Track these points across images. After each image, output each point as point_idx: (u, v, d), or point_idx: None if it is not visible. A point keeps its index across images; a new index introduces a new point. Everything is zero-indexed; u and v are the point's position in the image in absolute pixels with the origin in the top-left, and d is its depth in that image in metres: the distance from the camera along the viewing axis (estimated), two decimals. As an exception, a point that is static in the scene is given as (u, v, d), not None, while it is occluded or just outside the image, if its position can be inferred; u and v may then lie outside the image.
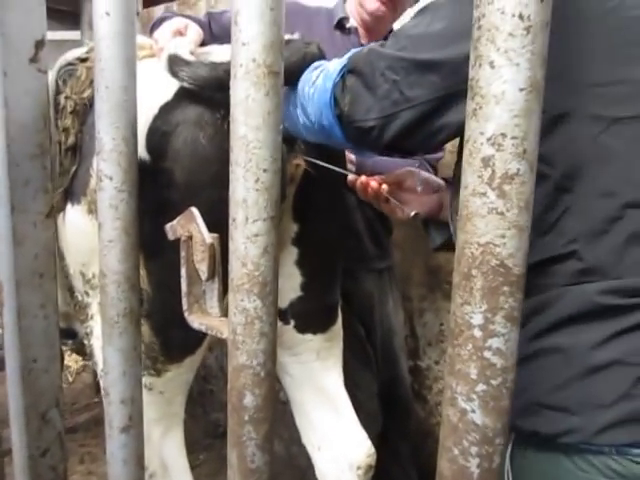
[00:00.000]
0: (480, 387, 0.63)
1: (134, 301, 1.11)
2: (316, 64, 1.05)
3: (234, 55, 0.81)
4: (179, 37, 1.30)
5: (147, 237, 1.08)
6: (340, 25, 1.72)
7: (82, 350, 1.54)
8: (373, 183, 1.17)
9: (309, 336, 1.39)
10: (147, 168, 1.13)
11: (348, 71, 0.94)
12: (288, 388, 1.53)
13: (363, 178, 1.18)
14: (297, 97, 1.05)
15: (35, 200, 1.24)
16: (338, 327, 1.47)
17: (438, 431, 0.68)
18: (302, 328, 1.37)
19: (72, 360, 3.22)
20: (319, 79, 1.00)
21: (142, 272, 1.18)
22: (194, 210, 0.96)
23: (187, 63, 1.11)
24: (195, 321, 0.97)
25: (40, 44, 1.25)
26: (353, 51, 0.98)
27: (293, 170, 1.16)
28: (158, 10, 2.80)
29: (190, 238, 0.96)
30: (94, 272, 1.25)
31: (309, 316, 1.36)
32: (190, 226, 0.96)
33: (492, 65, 0.58)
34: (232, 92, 0.82)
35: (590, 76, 0.79)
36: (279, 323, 1.35)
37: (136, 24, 1.06)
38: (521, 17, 0.57)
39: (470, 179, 0.61)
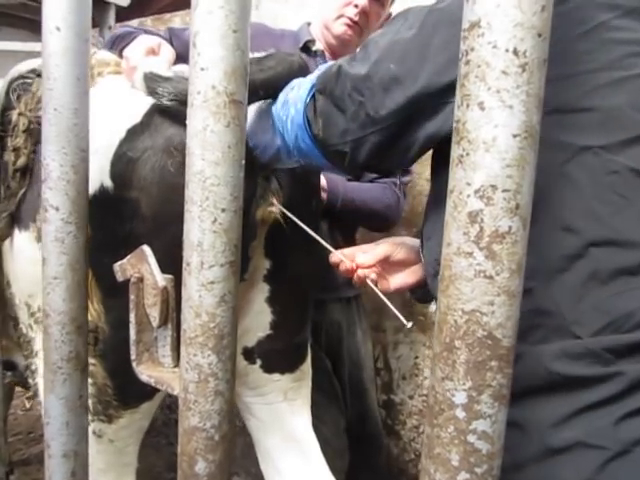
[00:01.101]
0: (462, 476, 0.54)
1: (80, 345, 1.00)
2: (292, 83, 0.99)
3: (192, 81, 0.72)
4: (152, 56, 1.23)
5: (106, 272, 0.98)
6: (306, 48, 1.69)
7: (24, 382, 1.42)
8: (360, 271, 1.04)
9: (276, 376, 1.29)
10: (110, 197, 1.03)
11: (318, 91, 0.90)
12: (252, 430, 1.43)
13: (348, 264, 1.04)
14: (273, 121, 0.99)
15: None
16: (307, 366, 1.38)
17: (411, 468, 0.59)
18: (269, 368, 1.28)
19: (30, 376, 3.04)
20: (291, 101, 0.95)
21: (99, 309, 1.09)
22: (146, 249, 0.86)
23: (166, 79, 1.03)
24: (144, 372, 0.87)
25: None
26: (322, 68, 0.93)
27: (266, 215, 1.07)
28: (131, 24, 2.71)
29: (141, 280, 0.86)
30: (40, 305, 1.14)
31: (277, 355, 1.27)
32: (141, 266, 0.86)
33: (482, 107, 0.50)
34: (188, 122, 0.73)
35: (559, 101, 0.71)
36: (244, 362, 1.26)
37: (90, 40, 0.97)
38: (516, 53, 0.49)
39: (454, 236, 0.53)
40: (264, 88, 0.98)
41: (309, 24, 1.77)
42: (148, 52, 1.21)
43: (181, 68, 1.21)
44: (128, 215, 1.03)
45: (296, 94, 0.94)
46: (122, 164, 1.04)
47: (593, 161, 0.71)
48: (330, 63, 0.94)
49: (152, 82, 1.01)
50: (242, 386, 1.32)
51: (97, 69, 1.26)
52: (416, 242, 1.07)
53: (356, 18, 1.61)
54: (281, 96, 0.99)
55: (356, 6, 1.60)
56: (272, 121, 0.99)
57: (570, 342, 0.69)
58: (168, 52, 1.24)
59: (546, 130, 0.69)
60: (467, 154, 0.52)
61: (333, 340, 1.81)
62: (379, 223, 1.76)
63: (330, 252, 1.06)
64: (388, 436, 2.23)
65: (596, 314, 0.69)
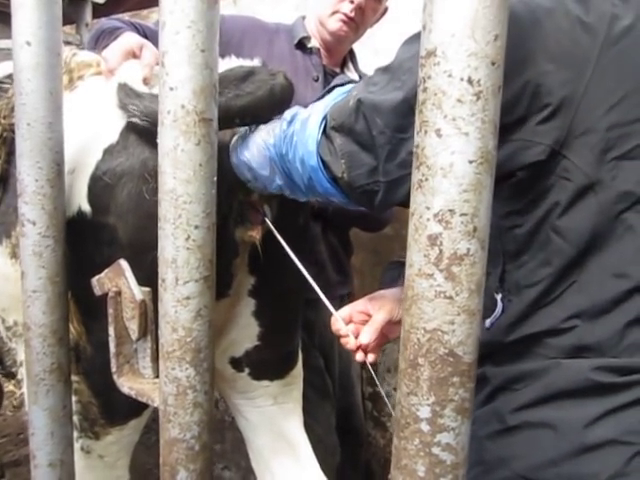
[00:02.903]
0: (429, 486, 0.57)
1: (62, 356, 1.02)
2: (286, 115, 0.91)
3: (161, 100, 0.73)
4: (132, 60, 1.16)
5: (86, 295, 0.98)
6: (301, 44, 1.64)
7: (11, 374, 1.40)
8: (359, 356, 0.98)
9: (265, 382, 1.29)
10: (88, 222, 1.02)
11: (332, 128, 0.80)
12: (244, 430, 1.44)
13: (351, 343, 0.97)
14: (271, 157, 0.92)
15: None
16: (298, 370, 1.38)
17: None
18: (257, 376, 1.28)
19: (16, 385, 3.04)
20: (296, 139, 0.85)
21: (81, 329, 1.08)
22: (122, 263, 0.87)
23: (138, 96, 0.99)
24: (125, 385, 0.88)
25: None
26: (330, 101, 0.84)
27: (246, 237, 1.05)
28: (108, 21, 2.68)
29: (119, 293, 0.88)
30: (15, 320, 1.14)
31: (266, 365, 1.27)
32: (119, 280, 0.87)
33: (439, 134, 0.52)
34: (159, 142, 0.74)
35: (622, 148, 0.72)
36: (232, 370, 1.26)
37: (62, 54, 0.97)
38: (470, 81, 0.51)
39: (415, 257, 0.55)
40: (241, 116, 0.94)
41: (304, 18, 1.71)
42: (128, 54, 1.16)
43: None
44: (106, 241, 1.02)
45: (301, 131, 0.85)
46: (99, 188, 1.01)
47: None
48: (340, 94, 0.85)
49: (125, 96, 0.99)
50: (231, 389, 1.32)
51: (77, 72, 1.21)
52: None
53: (352, 14, 1.54)
54: (276, 129, 0.91)
55: (352, 2, 1.53)
56: (269, 157, 0.92)
57: (609, 360, 0.73)
58: (149, 55, 1.16)
59: (610, 178, 0.72)
60: (426, 179, 0.53)
61: (326, 340, 1.81)
62: (372, 224, 1.76)
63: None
64: (374, 427, 2.27)
65: (634, 348, 0.73)
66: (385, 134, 0.75)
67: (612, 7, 0.74)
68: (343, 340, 0.99)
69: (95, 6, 2.71)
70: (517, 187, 0.75)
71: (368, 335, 0.96)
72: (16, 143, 0.96)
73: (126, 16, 2.68)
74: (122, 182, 0.99)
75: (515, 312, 0.78)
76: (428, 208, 0.53)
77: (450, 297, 0.53)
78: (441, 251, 0.53)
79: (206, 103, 0.73)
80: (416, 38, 0.79)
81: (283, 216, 1.10)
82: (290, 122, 0.88)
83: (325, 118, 0.82)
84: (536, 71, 0.70)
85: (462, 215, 0.52)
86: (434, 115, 0.52)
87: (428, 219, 0.53)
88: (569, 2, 0.75)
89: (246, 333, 1.21)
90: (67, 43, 2.31)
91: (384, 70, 0.80)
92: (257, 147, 0.93)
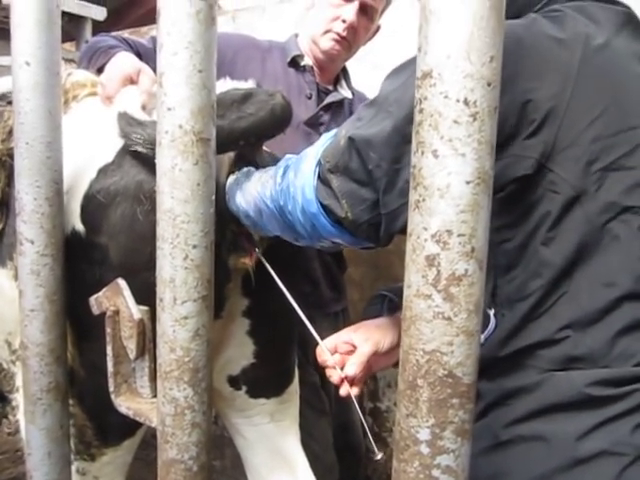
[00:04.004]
0: (429, 509, 0.56)
1: (60, 375, 1.01)
2: (278, 167, 0.91)
3: (159, 121, 0.73)
4: (130, 86, 1.16)
5: (79, 317, 0.98)
6: (294, 62, 1.65)
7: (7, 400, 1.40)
8: (343, 390, 0.96)
9: (262, 400, 1.29)
10: (81, 241, 1.01)
11: (328, 170, 0.80)
12: (240, 448, 1.43)
13: (335, 377, 0.96)
14: (270, 212, 0.91)
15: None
16: (294, 387, 1.37)
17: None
18: (254, 394, 1.27)
19: (11, 412, 3.02)
20: (292, 190, 0.85)
21: (73, 352, 1.07)
22: (121, 282, 0.87)
23: (140, 124, 0.98)
24: (122, 404, 0.88)
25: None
26: (321, 145, 0.85)
27: (239, 265, 1.04)
28: (108, 38, 2.70)
29: (117, 313, 0.87)
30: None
31: (262, 382, 1.26)
32: (117, 299, 0.87)
33: (435, 154, 0.52)
34: (157, 161, 0.74)
35: (608, 158, 0.74)
36: (229, 389, 1.25)
37: (61, 73, 0.97)
38: (466, 103, 0.51)
39: (413, 278, 0.54)
40: (245, 137, 0.94)
41: (297, 35, 1.71)
42: (125, 80, 1.16)
43: None
44: (98, 261, 1.01)
45: (296, 180, 0.85)
46: (93, 207, 1.01)
47: (634, 220, 0.74)
48: (329, 136, 0.85)
49: (126, 125, 0.98)
50: (229, 408, 1.31)
51: (72, 92, 1.23)
52: (394, 322, 1.03)
53: (344, 33, 1.54)
54: (270, 182, 0.91)
55: (344, 21, 1.52)
56: (267, 212, 0.91)
57: (601, 371, 0.74)
58: (147, 80, 1.16)
59: (596, 188, 0.74)
60: (423, 200, 0.53)
61: None
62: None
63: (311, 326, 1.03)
64: (375, 443, 2.25)
65: (624, 357, 0.74)
66: (381, 167, 0.76)
67: (585, 27, 0.78)
68: (328, 372, 0.98)
69: (95, 23, 2.73)
70: (506, 201, 0.76)
71: (354, 367, 0.94)
72: (15, 162, 0.96)
73: (125, 33, 2.70)
74: (116, 202, 0.98)
75: (508, 326, 0.79)
76: (425, 229, 0.53)
77: (449, 318, 0.53)
78: (439, 272, 0.53)
79: (204, 123, 0.73)
80: (399, 70, 0.82)
81: (278, 238, 1.09)
82: (284, 173, 0.88)
83: (319, 163, 0.82)
84: (521, 89, 0.72)
85: (460, 236, 0.52)
86: (431, 136, 0.52)
87: (426, 240, 0.53)
88: (543, 22, 0.78)
89: (242, 351, 1.21)
90: (67, 60, 2.33)
91: (369, 105, 0.81)
92: (253, 199, 0.93)
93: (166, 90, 0.72)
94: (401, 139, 0.74)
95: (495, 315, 0.80)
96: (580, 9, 0.81)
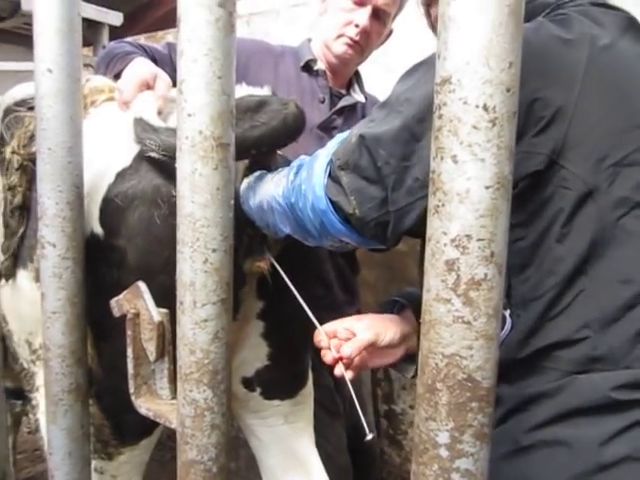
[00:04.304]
0: (448, 512, 0.56)
1: (80, 376, 1.03)
2: (292, 166, 0.92)
3: (179, 126, 0.74)
4: (146, 92, 1.17)
5: (98, 317, 0.99)
6: (307, 67, 1.66)
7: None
8: (337, 370, 0.97)
9: (276, 402, 1.29)
10: (100, 244, 1.03)
11: (338, 167, 0.81)
12: (255, 449, 1.44)
13: (329, 357, 0.98)
14: (281, 210, 0.92)
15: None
16: (308, 389, 1.38)
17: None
18: (269, 395, 1.28)
19: (31, 410, 3.06)
20: (304, 187, 0.87)
21: (92, 352, 1.09)
22: (141, 285, 0.88)
23: (155, 130, 1.00)
24: (142, 406, 0.89)
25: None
26: (334, 144, 0.86)
27: (254, 268, 1.05)
28: (124, 42, 2.73)
29: (137, 315, 0.88)
30: (40, 342, 1.15)
31: (276, 384, 1.27)
32: (137, 302, 0.88)
33: (455, 160, 0.52)
34: (178, 166, 0.75)
35: (618, 155, 0.75)
36: (244, 390, 1.26)
37: (82, 80, 0.99)
38: (486, 108, 0.51)
39: (433, 282, 0.55)
40: (257, 146, 0.96)
41: (310, 40, 1.72)
42: (142, 86, 1.17)
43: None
44: (116, 263, 1.02)
45: (308, 178, 0.86)
46: (111, 211, 1.03)
47: None
48: (342, 136, 0.87)
49: (142, 131, 1.00)
50: (243, 409, 1.32)
51: (90, 98, 1.24)
52: (400, 321, 1.04)
53: (357, 38, 1.56)
54: (282, 180, 0.92)
55: (357, 25, 1.54)
56: (278, 209, 0.93)
57: (624, 373, 0.73)
58: (163, 85, 1.18)
59: (607, 184, 0.74)
60: (442, 205, 0.54)
61: None
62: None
63: (310, 313, 1.02)
64: (390, 446, 2.25)
65: None
66: (390, 164, 0.76)
67: (590, 29, 0.79)
68: (322, 352, 0.99)
69: (111, 28, 2.77)
70: (518, 199, 0.75)
71: (349, 349, 0.95)
72: (37, 167, 0.98)
73: (142, 38, 2.73)
74: (133, 205, 1.00)
75: (524, 327, 0.78)
76: (445, 233, 0.54)
77: (468, 322, 0.53)
78: (458, 276, 0.53)
79: (223, 128, 0.74)
80: (411, 72, 0.83)
81: (290, 241, 1.10)
82: (297, 172, 0.90)
83: (330, 161, 0.83)
84: (529, 88, 0.73)
85: (479, 240, 0.52)
86: (450, 141, 0.53)
87: (445, 244, 0.54)
88: (550, 24, 0.79)
89: (256, 353, 1.22)
90: (85, 65, 2.36)
91: (382, 106, 0.82)
92: (266, 198, 0.94)
93: (186, 96, 0.73)
94: (410, 136, 0.75)
95: (511, 316, 0.80)
96: (585, 13, 0.82)
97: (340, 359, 0.95)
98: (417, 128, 0.75)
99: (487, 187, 0.52)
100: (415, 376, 1.03)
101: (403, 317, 1.05)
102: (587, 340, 0.75)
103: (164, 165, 0.98)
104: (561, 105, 0.75)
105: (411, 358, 1.05)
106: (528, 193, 0.77)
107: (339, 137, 0.88)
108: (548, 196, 0.76)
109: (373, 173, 0.78)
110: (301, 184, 0.86)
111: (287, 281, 1.01)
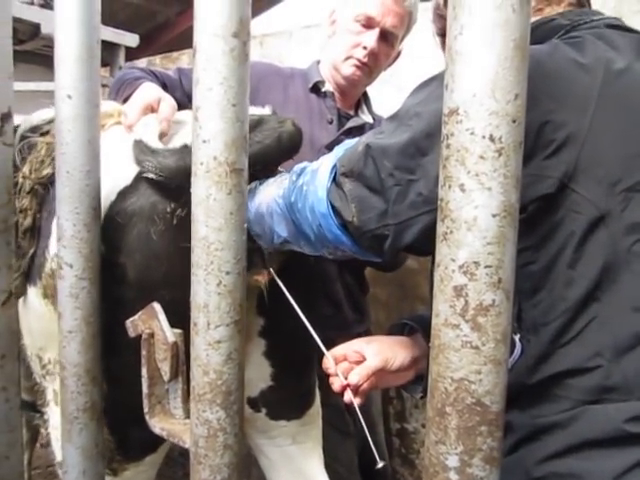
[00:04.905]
0: (458, 536, 0.57)
1: (95, 395, 1.04)
2: (296, 169, 0.94)
3: (194, 152, 0.77)
4: (150, 115, 1.22)
5: (103, 333, 1.01)
6: (316, 88, 1.69)
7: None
8: (346, 396, 0.97)
9: (282, 422, 1.29)
10: (103, 260, 1.04)
11: (342, 174, 0.82)
12: (266, 470, 1.44)
13: (337, 384, 0.98)
14: (279, 211, 0.94)
15: (-3, 277, 1.18)
16: (315, 409, 1.38)
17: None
18: (274, 416, 1.28)
19: (43, 425, 3.07)
20: (305, 188, 0.88)
21: None
22: (156, 306, 0.90)
23: (153, 152, 1.03)
24: (157, 425, 0.90)
25: (6, 117, 1.21)
26: (340, 151, 0.87)
27: (252, 283, 1.05)
28: (140, 63, 2.79)
29: (152, 335, 0.90)
30: (50, 358, 1.17)
31: (282, 404, 1.27)
32: (152, 322, 0.90)
33: (462, 188, 0.54)
34: (193, 191, 0.77)
35: (632, 179, 0.75)
36: (250, 410, 1.27)
37: (100, 106, 1.02)
38: (492, 139, 0.53)
39: (442, 307, 0.56)
40: (251, 165, 0.92)
41: (318, 62, 1.75)
42: (146, 109, 1.21)
43: (185, 117, 1.24)
44: (117, 279, 1.05)
45: (311, 180, 0.87)
46: (112, 229, 1.05)
47: None
48: (349, 143, 0.88)
49: (140, 153, 1.03)
50: (251, 429, 1.33)
51: (100, 122, 1.29)
52: (411, 344, 1.04)
53: (365, 59, 1.59)
54: (285, 182, 0.94)
55: (365, 48, 1.57)
56: (277, 210, 0.94)
57: (638, 404, 0.72)
58: (167, 108, 1.21)
59: (619, 210, 0.74)
60: (451, 232, 0.55)
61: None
62: (389, 264, 1.77)
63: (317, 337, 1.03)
64: (402, 465, 2.24)
65: None
66: (394, 176, 0.77)
67: (605, 52, 0.79)
68: (330, 380, 0.99)
69: (127, 49, 2.83)
70: (528, 222, 0.76)
71: (357, 377, 0.95)
72: (56, 190, 1.00)
73: (157, 58, 2.78)
74: (132, 222, 1.03)
75: (535, 352, 0.78)
76: (453, 260, 0.55)
77: (476, 347, 0.54)
78: (467, 302, 0.54)
79: (237, 154, 0.76)
80: (422, 87, 0.84)
81: (293, 257, 1.11)
82: (300, 174, 0.91)
83: (335, 167, 0.84)
84: (540, 110, 0.73)
85: (487, 267, 0.54)
86: (457, 171, 0.54)
87: (453, 270, 0.55)
88: (565, 47, 0.79)
89: (259, 373, 1.22)
90: (102, 86, 2.42)
91: (391, 118, 0.83)
92: (266, 202, 0.96)
93: (201, 123, 0.75)
94: (416, 151, 0.75)
95: (521, 340, 0.80)
96: (599, 36, 0.83)
97: (348, 386, 0.96)
98: (424, 143, 0.75)
99: (494, 215, 0.53)
100: (423, 397, 1.04)
101: (414, 340, 1.05)
102: (600, 369, 0.73)
103: (161, 184, 1.01)
104: (573, 129, 0.74)
105: (420, 379, 1.05)
106: (539, 216, 0.76)
107: (346, 144, 0.89)
108: (559, 220, 0.76)
109: (377, 183, 0.79)
110: (303, 185, 0.88)
111: (287, 295, 1.02)
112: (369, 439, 1.00)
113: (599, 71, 0.77)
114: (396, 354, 1.00)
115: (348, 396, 0.96)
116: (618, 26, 0.87)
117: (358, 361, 0.99)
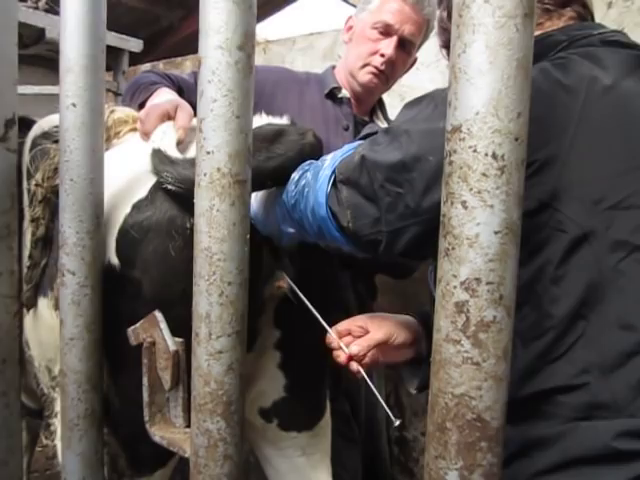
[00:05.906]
0: None
1: (96, 402, 1.04)
2: (299, 170, 0.96)
3: (198, 163, 0.77)
4: (167, 122, 1.18)
5: (115, 348, 1.01)
6: (332, 94, 1.68)
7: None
8: (353, 365, 1.00)
9: (293, 433, 1.29)
10: (116, 275, 1.03)
11: (340, 182, 0.85)
12: (271, 479, 1.44)
13: (342, 357, 1.01)
14: (284, 210, 0.96)
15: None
16: (326, 421, 1.37)
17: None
18: (286, 427, 1.28)
19: (48, 437, 3.07)
20: (307, 190, 0.90)
21: (108, 381, 1.10)
22: (157, 314, 0.90)
23: (172, 162, 1.00)
24: (157, 434, 0.90)
25: (10, 123, 1.21)
26: (338, 156, 0.89)
27: (274, 291, 1.06)
28: (143, 68, 2.80)
29: (153, 344, 0.90)
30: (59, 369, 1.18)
31: (293, 416, 1.27)
32: (153, 331, 0.90)
33: (465, 205, 0.54)
34: (196, 202, 0.78)
35: (616, 197, 0.75)
36: (261, 421, 1.27)
37: (104, 114, 1.02)
38: (495, 157, 0.53)
39: (443, 323, 0.56)
40: (272, 177, 0.96)
41: (333, 67, 1.75)
42: (163, 116, 1.18)
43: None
44: (131, 294, 1.02)
45: (313, 182, 0.89)
46: (127, 242, 1.03)
47: None
48: (348, 150, 0.90)
49: (159, 163, 1.01)
50: (261, 440, 1.32)
51: (114, 129, 1.26)
52: (413, 323, 1.06)
53: (382, 67, 1.58)
54: (290, 184, 0.96)
55: (382, 55, 1.56)
56: (282, 209, 0.97)
57: (628, 422, 0.72)
58: (184, 116, 1.19)
59: (605, 227, 0.74)
60: (452, 248, 0.55)
61: (353, 385, 1.80)
62: (400, 271, 1.76)
63: (324, 321, 1.04)
64: (402, 473, 2.24)
65: None
66: (385, 188, 0.80)
67: (590, 71, 0.79)
68: (335, 353, 1.02)
69: (131, 54, 2.83)
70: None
71: (358, 347, 0.99)
72: (59, 198, 1.01)
73: (160, 64, 2.79)
74: (148, 237, 1.01)
75: (523, 366, 0.78)
76: (455, 276, 0.55)
77: (477, 363, 0.55)
78: (468, 318, 0.55)
79: (241, 166, 0.76)
80: (413, 104, 0.86)
81: (310, 266, 1.11)
82: (302, 175, 0.93)
83: (333, 172, 0.87)
84: None
85: (488, 284, 0.54)
86: (460, 187, 0.55)
87: (455, 286, 0.55)
88: (548, 67, 0.80)
89: (273, 385, 1.22)
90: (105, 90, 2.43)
91: (386, 132, 0.86)
92: (271, 202, 0.98)
93: (205, 135, 0.76)
94: (403, 168, 0.79)
95: None
96: (586, 55, 0.82)
97: (351, 357, 0.99)
98: (412, 162, 0.78)
99: (496, 232, 0.54)
100: (419, 391, 1.08)
101: (418, 321, 1.09)
102: (587, 386, 0.73)
103: (178, 197, 0.99)
104: (554, 149, 0.75)
105: (418, 363, 1.07)
106: (524, 234, 0.78)
107: (346, 147, 0.91)
108: (544, 238, 0.76)
109: (370, 193, 0.82)
110: (304, 186, 0.90)
111: (298, 292, 1.03)
112: (380, 400, 1.02)
113: (581, 91, 0.77)
114: (400, 330, 1.03)
115: (355, 366, 0.99)
116: (615, 42, 0.86)
117: (361, 336, 1.01)
